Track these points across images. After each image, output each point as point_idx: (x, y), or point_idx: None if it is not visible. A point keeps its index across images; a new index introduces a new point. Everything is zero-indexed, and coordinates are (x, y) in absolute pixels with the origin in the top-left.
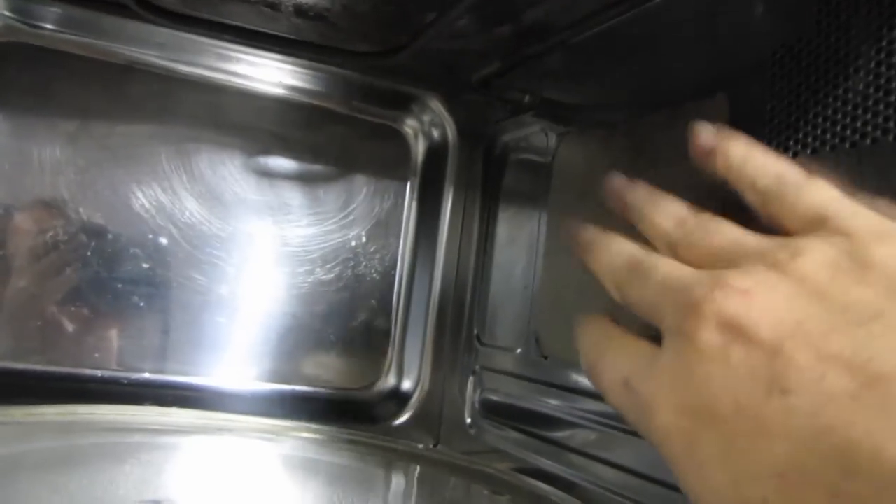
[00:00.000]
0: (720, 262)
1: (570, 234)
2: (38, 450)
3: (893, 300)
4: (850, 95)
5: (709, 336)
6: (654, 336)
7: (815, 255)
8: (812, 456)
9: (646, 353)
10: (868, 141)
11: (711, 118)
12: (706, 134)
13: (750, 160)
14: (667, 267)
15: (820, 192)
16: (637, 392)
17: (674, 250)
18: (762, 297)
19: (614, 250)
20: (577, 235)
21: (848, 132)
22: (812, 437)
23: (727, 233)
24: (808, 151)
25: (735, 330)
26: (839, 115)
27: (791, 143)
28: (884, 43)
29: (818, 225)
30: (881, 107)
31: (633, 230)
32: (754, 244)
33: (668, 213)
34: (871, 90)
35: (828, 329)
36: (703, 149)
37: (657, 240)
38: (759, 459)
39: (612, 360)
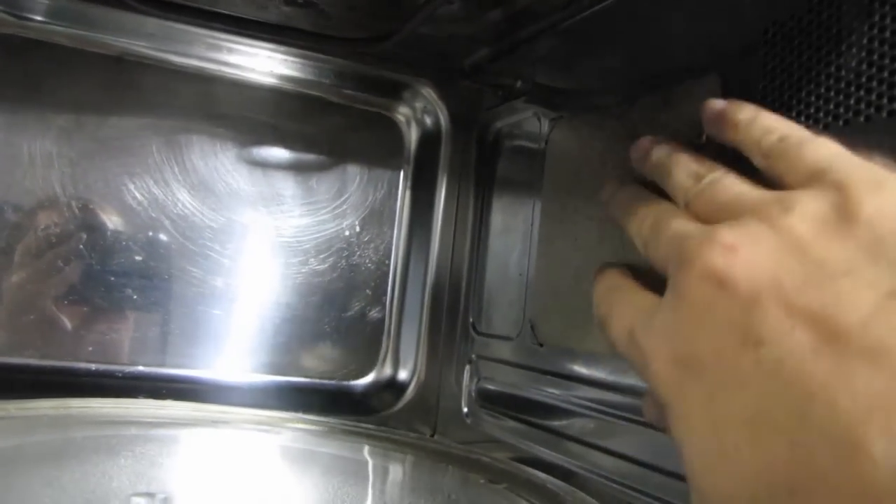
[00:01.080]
0: (723, 215)
1: (608, 196)
2: (33, 443)
3: (868, 257)
4: (843, 73)
5: (696, 288)
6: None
7: (804, 209)
8: (777, 406)
9: (649, 304)
10: (861, 118)
11: (703, 99)
12: (716, 102)
13: (757, 121)
14: (676, 223)
15: (821, 148)
16: (638, 343)
17: (688, 206)
18: (746, 251)
19: (643, 213)
20: (614, 200)
21: (841, 110)
22: (777, 389)
23: (732, 187)
24: None
25: (718, 283)
26: (832, 93)
27: None
28: (876, 18)
29: (816, 179)
30: (874, 84)
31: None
32: (754, 198)
33: (685, 169)
34: (864, 67)
35: (801, 284)
36: (713, 114)
37: (676, 195)
38: (734, 407)
39: (619, 312)
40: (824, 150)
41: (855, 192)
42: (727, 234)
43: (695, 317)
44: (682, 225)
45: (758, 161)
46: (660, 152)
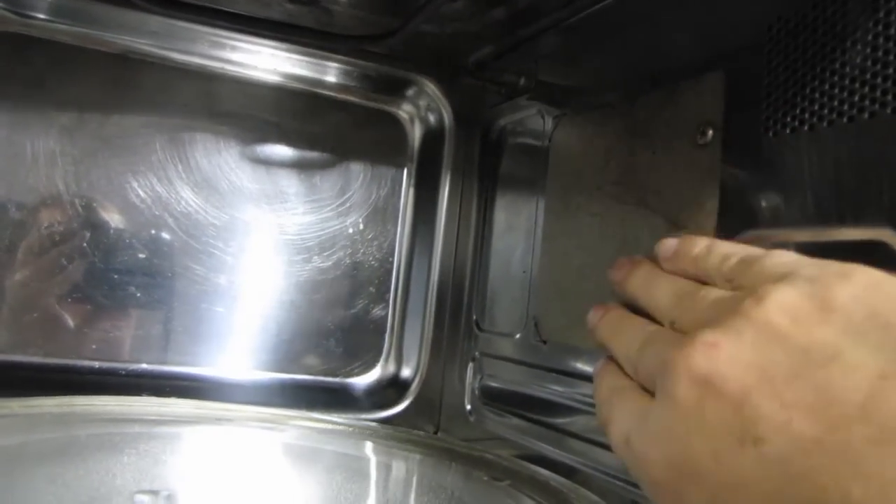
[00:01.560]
0: (704, 321)
1: (594, 321)
2: (37, 441)
3: (850, 341)
4: (848, 69)
5: (684, 392)
6: None
7: (778, 299)
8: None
9: (643, 409)
10: (866, 115)
11: (707, 97)
12: (667, 243)
13: (713, 251)
14: (661, 338)
15: (783, 256)
16: (634, 449)
17: (672, 325)
18: (728, 348)
19: (629, 336)
20: (600, 324)
21: (845, 107)
22: (786, 484)
23: (709, 295)
24: (805, 127)
25: (705, 384)
26: (836, 90)
27: (788, 119)
28: (881, 14)
29: (785, 278)
30: (879, 80)
31: None
32: (728, 298)
33: (664, 292)
34: (869, 63)
35: (790, 374)
36: (668, 254)
37: (659, 317)
38: None
39: (617, 418)
40: (786, 257)
41: (826, 283)
42: (707, 334)
43: (686, 420)
44: (666, 338)
45: (722, 286)
46: (636, 279)
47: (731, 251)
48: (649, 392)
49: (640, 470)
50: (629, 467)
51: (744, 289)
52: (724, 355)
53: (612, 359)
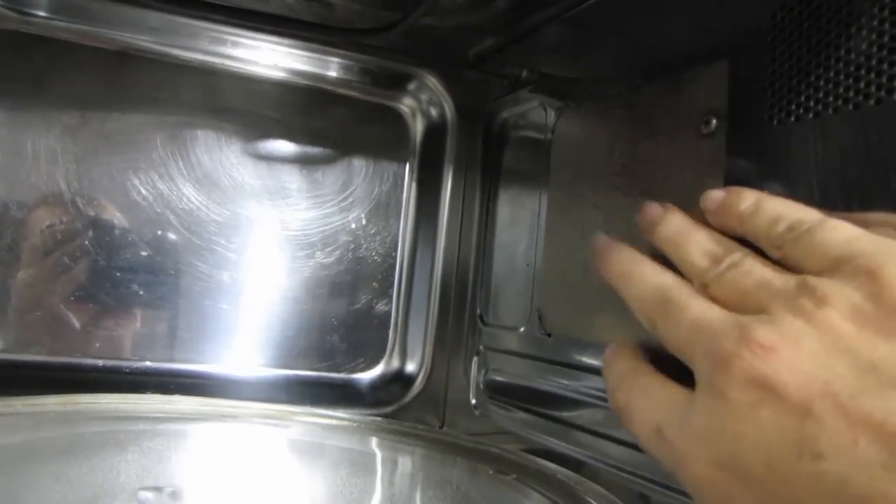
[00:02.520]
0: (748, 304)
1: (600, 257)
2: (41, 439)
3: None
4: (853, 56)
5: (738, 394)
6: (682, 372)
7: (839, 302)
8: None
9: (677, 400)
10: (872, 102)
11: (711, 85)
12: (714, 194)
13: (760, 209)
14: (697, 308)
15: (836, 233)
16: (671, 442)
17: (705, 287)
18: (788, 352)
19: (646, 282)
20: (608, 261)
21: (851, 94)
22: None
23: (754, 272)
24: (811, 115)
25: (763, 389)
26: (842, 77)
27: (793, 107)
28: (887, 0)
29: (840, 265)
30: (885, 66)
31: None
32: (781, 285)
33: (701, 249)
34: (875, 49)
35: (857, 390)
36: (714, 206)
37: (690, 275)
38: None
39: (642, 406)
40: (840, 234)
41: (888, 278)
42: (764, 333)
43: (739, 422)
44: (703, 310)
45: (770, 251)
46: (669, 227)
47: (781, 212)
48: (668, 373)
49: (679, 465)
50: (662, 460)
51: (793, 265)
52: (783, 361)
53: (624, 343)
